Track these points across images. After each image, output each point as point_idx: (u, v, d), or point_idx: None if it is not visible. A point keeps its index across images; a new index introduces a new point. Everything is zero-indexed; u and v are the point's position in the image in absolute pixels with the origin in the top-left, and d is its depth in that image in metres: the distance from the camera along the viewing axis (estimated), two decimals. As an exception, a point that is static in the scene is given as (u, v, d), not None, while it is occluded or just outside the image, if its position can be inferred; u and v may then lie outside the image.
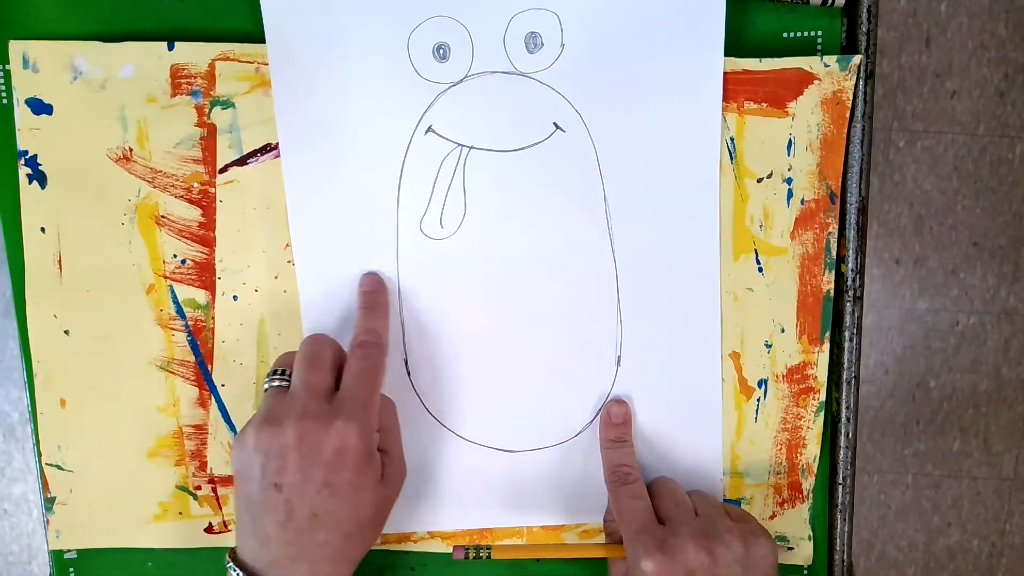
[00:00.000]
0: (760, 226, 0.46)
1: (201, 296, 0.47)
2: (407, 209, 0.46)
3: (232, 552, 0.42)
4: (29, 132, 0.45)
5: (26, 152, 0.45)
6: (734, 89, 0.44)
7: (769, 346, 0.47)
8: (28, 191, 0.45)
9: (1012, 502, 1.35)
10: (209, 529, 0.49)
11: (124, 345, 0.47)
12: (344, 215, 0.45)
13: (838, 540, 0.49)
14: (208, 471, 0.48)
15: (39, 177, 0.45)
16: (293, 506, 0.39)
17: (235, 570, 0.41)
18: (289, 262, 0.46)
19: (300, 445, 0.39)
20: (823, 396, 0.48)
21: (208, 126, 0.45)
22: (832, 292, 0.47)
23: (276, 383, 0.42)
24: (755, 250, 0.46)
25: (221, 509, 0.49)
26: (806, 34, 0.45)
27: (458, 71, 0.44)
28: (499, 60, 0.44)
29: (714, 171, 0.45)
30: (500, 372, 0.47)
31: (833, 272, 0.47)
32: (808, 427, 0.48)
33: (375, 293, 0.45)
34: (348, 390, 0.41)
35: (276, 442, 0.39)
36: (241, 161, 0.45)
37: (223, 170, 0.45)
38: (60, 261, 0.46)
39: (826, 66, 0.44)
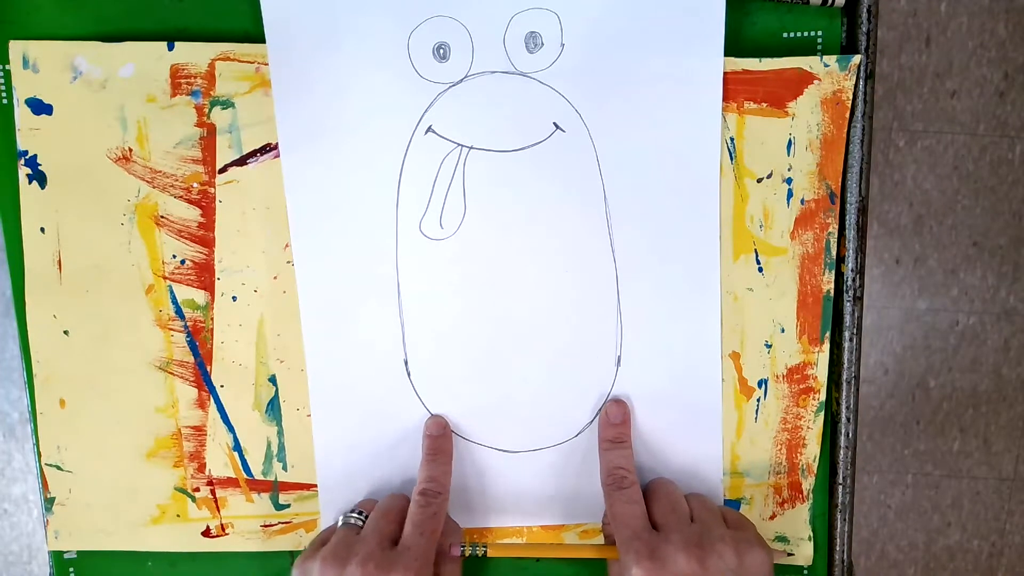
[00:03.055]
0: (760, 226, 0.46)
1: (200, 297, 0.47)
2: (407, 209, 0.45)
3: None
4: (29, 132, 0.45)
5: (26, 152, 0.45)
6: (734, 89, 0.44)
7: (769, 346, 0.47)
8: (28, 191, 0.45)
9: (1012, 502, 1.35)
10: (207, 533, 0.49)
11: (123, 345, 0.47)
12: (344, 215, 0.45)
13: (838, 540, 0.49)
14: (207, 472, 0.48)
15: (39, 177, 0.45)
16: None
17: None
18: (289, 262, 0.46)
19: None
20: (823, 396, 0.48)
21: (208, 126, 0.45)
22: (832, 292, 0.47)
23: (351, 521, 0.45)
24: (755, 250, 0.46)
25: (219, 512, 0.49)
26: (806, 34, 0.45)
27: (458, 71, 0.44)
28: (499, 60, 0.44)
29: (714, 171, 0.45)
30: (500, 372, 0.47)
31: (833, 272, 0.47)
32: (808, 427, 0.48)
33: (440, 439, 0.47)
34: (409, 540, 0.43)
35: None
36: (241, 161, 0.45)
37: (223, 170, 0.45)
38: (60, 261, 0.46)
39: (826, 66, 0.44)
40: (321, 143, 0.45)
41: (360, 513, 0.45)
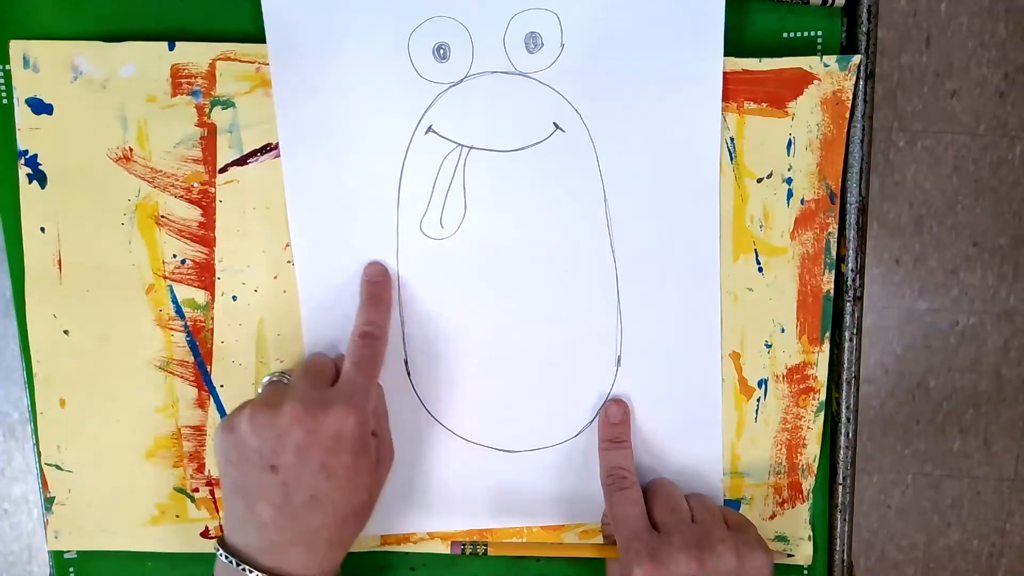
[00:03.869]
0: (760, 226, 0.46)
1: (200, 296, 0.47)
2: (407, 209, 0.45)
3: (221, 539, 0.41)
4: (29, 132, 0.45)
5: (26, 152, 0.45)
6: (734, 89, 0.44)
7: (769, 346, 0.47)
8: (28, 191, 0.45)
9: (1012, 502, 1.35)
10: (205, 533, 0.49)
11: (123, 345, 0.47)
12: (344, 215, 0.45)
13: (838, 540, 0.49)
14: (206, 473, 0.48)
15: (39, 177, 0.45)
16: (290, 489, 0.39)
17: (226, 557, 0.40)
18: (289, 262, 0.46)
19: (299, 427, 0.39)
20: (823, 396, 0.48)
21: (208, 126, 0.45)
22: (832, 292, 0.47)
23: (275, 379, 0.44)
24: (755, 250, 0.46)
25: (218, 512, 0.49)
26: (806, 34, 0.45)
27: (458, 71, 0.44)
28: (499, 60, 0.44)
29: (714, 171, 0.45)
30: (500, 372, 0.47)
31: (833, 272, 0.47)
32: (808, 427, 0.48)
33: (379, 284, 0.45)
34: (348, 377, 0.41)
35: (273, 424, 0.39)
36: (241, 161, 0.45)
37: (223, 170, 0.45)
38: (60, 261, 0.46)
39: (826, 66, 0.44)
40: (321, 143, 0.45)
41: (284, 372, 0.44)
